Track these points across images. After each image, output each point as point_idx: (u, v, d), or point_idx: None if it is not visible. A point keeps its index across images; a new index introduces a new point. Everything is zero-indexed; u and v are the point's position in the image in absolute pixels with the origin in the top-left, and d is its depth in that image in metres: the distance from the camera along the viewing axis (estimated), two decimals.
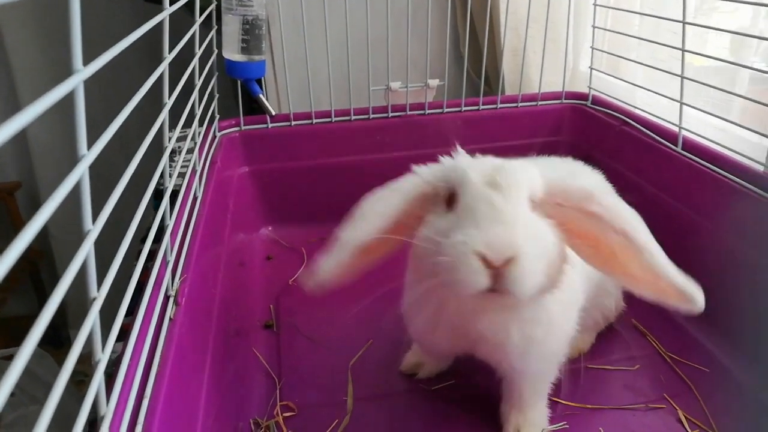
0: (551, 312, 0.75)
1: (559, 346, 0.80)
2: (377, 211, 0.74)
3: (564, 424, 0.90)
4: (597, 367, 1.02)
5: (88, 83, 0.47)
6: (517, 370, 0.81)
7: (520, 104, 1.53)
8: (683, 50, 1.13)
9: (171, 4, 0.79)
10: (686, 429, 0.89)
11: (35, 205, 0.48)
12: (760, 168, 1.01)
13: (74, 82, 0.45)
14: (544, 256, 0.64)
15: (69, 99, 0.46)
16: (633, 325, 1.11)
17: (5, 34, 2.35)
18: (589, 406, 0.93)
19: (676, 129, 1.18)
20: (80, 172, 0.46)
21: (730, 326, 1.04)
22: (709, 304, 1.07)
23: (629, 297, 1.14)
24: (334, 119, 1.45)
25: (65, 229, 2.49)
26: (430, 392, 0.97)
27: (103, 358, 0.51)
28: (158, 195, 0.87)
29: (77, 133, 0.47)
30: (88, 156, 0.47)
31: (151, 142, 0.69)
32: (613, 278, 0.74)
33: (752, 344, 0.99)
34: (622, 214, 0.68)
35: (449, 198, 0.70)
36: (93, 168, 0.49)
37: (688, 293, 0.67)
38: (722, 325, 1.06)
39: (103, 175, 0.72)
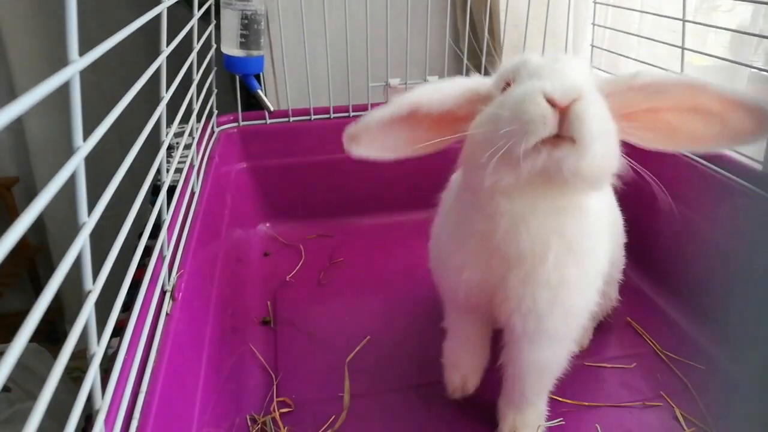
0: (590, 258, 0.72)
1: (584, 310, 0.76)
2: (431, 90, 0.73)
3: (560, 421, 0.90)
4: (594, 364, 1.01)
5: (86, 78, 0.47)
6: (540, 329, 0.75)
7: None
8: (683, 48, 1.13)
9: None
10: (682, 426, 0.89)
11: (32, 200, 0.48)
12: (759, 166, 1.01)
13: (70, 73, 0.44)
14: (605, 116, 0.62)
15: (66, 93, 0.45)
16: (628, 323, 1.11)
17: (3, 26, 2.34)
18: (586, 404, 0.93)
19: None
20: (75, 163, 0.46)
21: (725, 324, 1.04)
22: (705, 302, 1.09)
23: (626, 296, 1.14)
24: (332, 115, 1.45)
25: (62, 224, 2.48)
26: (427, 389, 0.97)
27: (98, 351, 0.51)
28: (155, 190, 0.87)
29: (73, 124, 0.47)
30: (84, 147, 0.47)
31: (149, 138, 0.69)
32: (681, 148, 0.70)
33: (748, 342, 0.99)
34: (668, 75, 0.67)
35: (505, 89, 0.67)
36: (90, 163, 0.49)
37: (758, 108, 0.62)
38: (718, 323, 1.06)
39: (100, 170, 0.72)
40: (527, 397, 0.85)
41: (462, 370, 0.92)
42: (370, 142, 0.74)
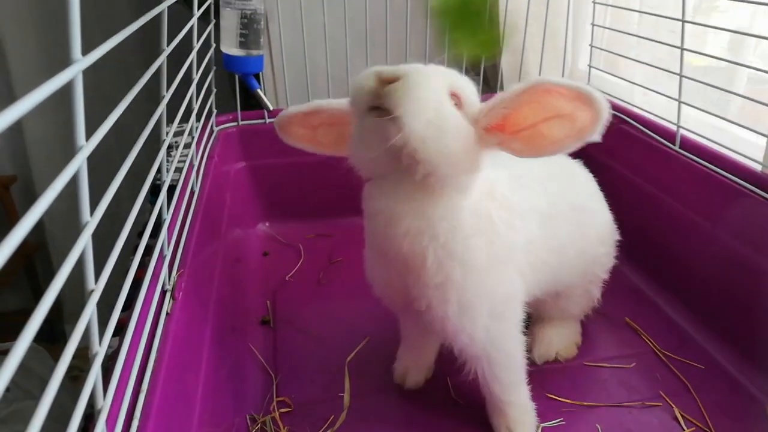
0: (471, 254, 0.74)
1: (484, 303, 0.77)
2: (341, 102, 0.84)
3: (560, 421, 0.90)
4: (592, 364, 1.02)
5: (85, 78, 0.47)
6: (444, 328, 0.78)
7: None
8: (682, 49, 1.13)
9: None
10: (682, 427, 0.89)
11: (31, 200, 0.49)
12: (758, 168, 1.02)
13: (73, 72, 0.44)
14: (439, 108, 0.67)
15: (66, 92, 0.45)
16: (627, 323, 1.11)
17: (2, 29, 2.34)
18: (585, 404, 0.93)
19: (674, 128, 1.18)
20: (78, 162, 0.46)
21: (725, 324, 1.04)
22: (704, 302, 1.09)
23: (625, 296, 1.15)
24: None
25: (61, 223, 2.48)
26: (428, 389, 0.97)
27: (100, 351, 0.51)
28: (155, 190, 0.87)
29: (76, 123, 0.47)
30: (87, 146, 0.47)
31: (149, 137, 0.69)
32: (544, 154, 0.71)
33: (748, 342, 0.99)
34: (528, 81, 0.69)
35: None
36: (90, 163, 0.49)
37: (586, 92, 0.65)
38: (718, 323, 1.06)
39: (100, 169, 0.72)
40: (497, 396, 0.85)
41: (405, 364, 0.98)
42: (296, 136, 0.88)
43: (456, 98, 0.70)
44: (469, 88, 0.73)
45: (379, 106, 0.65)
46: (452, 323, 0.77)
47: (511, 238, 0.78)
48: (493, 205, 0.77)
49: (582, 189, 0.97)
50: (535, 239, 0.83)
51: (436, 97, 0.67)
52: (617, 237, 1.01)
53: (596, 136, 0.66)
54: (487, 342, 0.79)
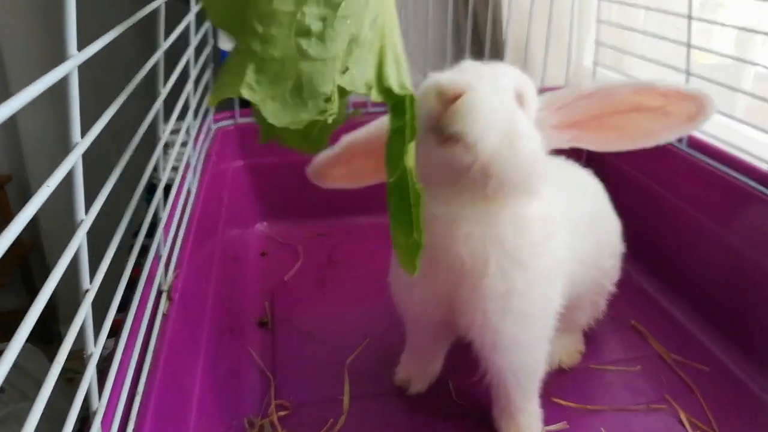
0: (537, 263, 0.72)
1: (540, 315, 0.75)
2: (364, 127, 0.80)
3: (564, 424, 0.88)
4: (597, 367, 1.00)
5: (80, 74, 0.45)
6: (496, 341, 0.75)
7: None
8: (689, 46, 1.12)
9: None
10: (688, 430, 0.88)
11: (25, 199, 0.47)
12: (765, 167, 1.00)
13: (68, 67, 0.43)
14: (510, 120, 0.64)
15: (61, 90, 0.44)
16: (632, 326, 1.10)
17: None
18: (590, 407, 0.92)
19: None
20: (74, 159, 0.45)
21: (731, 325, 1.03)
22: (710, 304, 1.08)
23: (630, 298, 1.13)
24: None
25: (56, 222, 2.46)
26: (430, 391, 0.95)
27: (95, 352, 0.50)
28: (151, 189, 0.86)
29: (70, 120, 0.45)
30: (82, 143, 0.46)
31: (145, 136, 0.67)
32: (632, 147, 0.72)
33: (754, 345, 0.98)
34: (610, 82, 0.73)
35: None
36: (85, 161, 0.48)
37: (700, 94, 0.68)
38: (724, 325, 1.05)
39: (96, 168, 0.71)
40: (514, 402, 0.83)
41: (409, 371, 0.95)
42: (333, 178, 0.86)
43: (520, 100, 0.67)
44: (531, 86, 0.71)
45: (442, 128, 0.62)
46: (508, 337, 0.74)
47: (560, 243, 0.76)
48: (549, 206, 0.74)
49: (596, 199, 0.95)
50: (570, 247, 0.80)
51: (505, 108, 0.64)
52: (622, 247, 0.99)
53: (696, 128, 0.69)
54: (527, 355, 0.78)
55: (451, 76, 0.63)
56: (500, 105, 0.63)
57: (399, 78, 0.55)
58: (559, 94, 0.72)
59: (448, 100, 0.61)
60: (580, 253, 0.84)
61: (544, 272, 0.73)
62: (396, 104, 0.56)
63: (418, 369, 0.95)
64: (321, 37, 0.47)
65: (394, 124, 0.57)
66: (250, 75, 0.46)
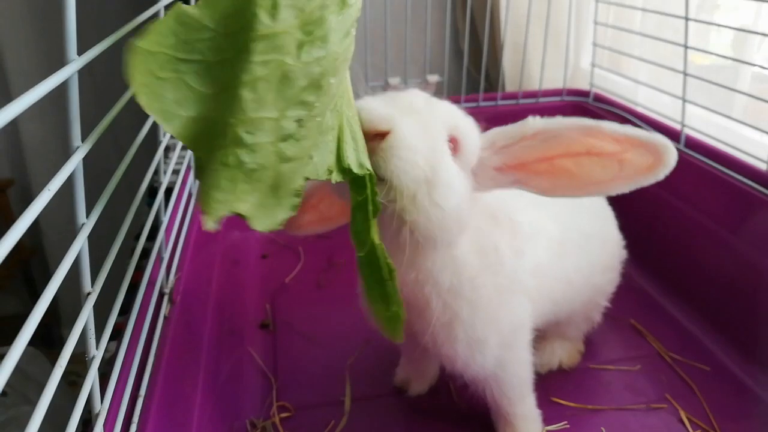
0: (478, 292, 0.71)
1: (493, 336, 0.74)
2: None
3: (565, 424, 0.89)
4: (598, 367, 1.00)
5: (81, 79, 0.46)
6: (454, 364, 0.75)
7: (521, 101, 1.52)
8: (686, 47, 1.12)
9: None
10: (688, 429, 0.88)
11: (27, 202, 0.48)
12: (763, 166, 1.01)
13: (68, 72, 0.44)
14: (430, 167, 0.60)
15: (62, 94, 0.45)
16: (632, 325, 1.10)
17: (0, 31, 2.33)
18: (590, 407, 0.92)
19: (678, 127, 1.17)
20: (74, 163, 0.45)
21: (730, 325, 1.03)
22: (709, 303, 1.08)
23: (630, 298, 1.13)
24: None
25: (57, 227, 2.46)
26: (430, 392, 0.95)
27: (97, 355, 0.50)
28: (152, 192, 0.86)
29: (71, 124, 0.46)
30: (83, 147, 0.46)
31: (146, 140, 0.68)
32: (581, 194, 0.67)
33: (754, 343, 0.98)
34: (557, 121, 0.64)
35: None
36: (86, 165, 0.48)
37: (655, 142, 0.60)
38: (723, 324, 1.05)
39: (97, 172, 0.71)
40: (504, 409, 0.83)
41: (407, 373, 0.96)
42: (305, 224, 0.82)
43: (454, 143, 0.64)
44: (469, 131, 0.66)
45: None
46: (461, 359, 0.74)
47: (516, 263, 0.75)
48: (499, 232, 0.73)
49: (594, 215, 0.92)
50: (543, 264, 0.79)
51: (428, 154, 0.60)
52: (623, 256, 0.99)
53: (655, 179, 0.61)
54: (497, 368, 0.77)
55: (375, 108, 0.58)
56: (423, 149, 0.60)
57: (357, 156, 0.55)
58: (503, 132, 0.67)
59: (371, 135, 0.57)
60: (560, 272, 0.83)
61: (490, 298, 0.72)
62: (355, 180, 0.55)
63: (417, 371, 0.96)
64: (297, 138, 0.47)
65: (355, 198, 0.56)
66: (241, 187, 0.46)
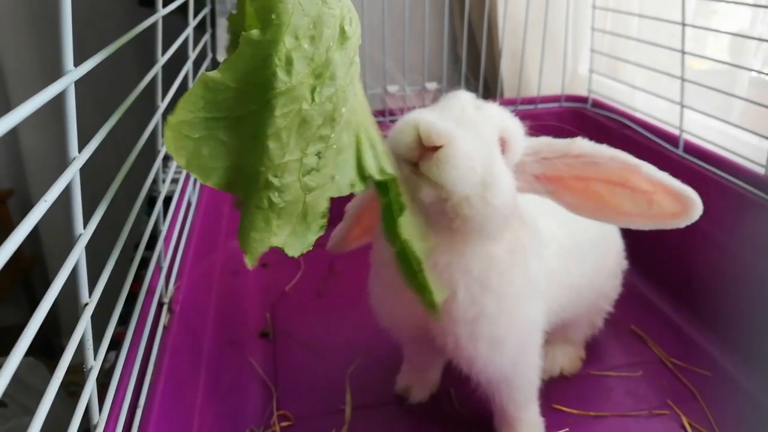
0: (506, 288, 0.72)
1: (515, 336, 0.75)
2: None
3: (567, 431, 0.88)
4: (599, 373, 1.00)
5: (81, 90, 0.46)
6: (472, 363, 0.75)
7: (519, 107, 1.52)
8: (683, 52, 1.13)
9: (164, 7, 0.78)
10: None
11: (27, 213, 0.48)
12: (761, 171, 1.01)
13: (65, 83, 0.44)
14: (485, 171, 0.63)
15: (61, 104, 0.45)
16: (633, 331, 1.10)
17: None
18: (592, 413, 0.92)
19: (676, 132, 1.17)
20: (71, 174, 0.45)
21: (732, 330, 1.03)
22: (710, 308, 1.08)
23: (631, 304, 1.13)
24: None
25: (57, 236, 2.46)
26: (431, 400, 0.95)
27: (95, 365, 0.50)
28: (151, 201, 0.86)
29: (68, 135, 0.46)
30: (80, 158, 0.46)
31: (145, 148, 0.68)
32: (605, 220, 0.71)
33: (755, 348, 0.98)
34: (604, 149, 0.68)
35: None
36: (85, 175, 0.48)
37: (686, 194, 0.65)
38: (724, 329, 1.05)
39: (96, 181, 0.71)
40: (510, 414, 0.83)
41: (408, 381, 0.96)
42: (352, 240, 0.86)
43: (503, 143, 0.67)
44: (517, 131, 0.70)
45: (420, 167, 0.61)
46: (482, 359, 0.74)
47: (537, 268, 0.76)
48: (525, 234, 0.74)
49: (599, 223, 0.94)
50: (553, 270, 0.80)
51: (484, 160, 0.63)
52: (624, 263, 1.00)
53: (675, 227, 0.66)
54: (511, 370, 0.77)
55: (433, 123, 0.61)
56: (479, 157, 0.63)
57: (377, 162, 0.58)
58: (549, 144, 0.71)
59: (427, 147, 0.61)
60: (568, 277, 0.84)
61: (516, 296, 0.73)
62: (379, 184, 0.58)
63: (417, 380, 0.95)
64: (318, 169, 0.52)
65: (381, 201, 0.59)
66: (275, 224, 0.51)
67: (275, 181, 0.49)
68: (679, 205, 0.65)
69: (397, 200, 0.58)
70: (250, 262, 0.52)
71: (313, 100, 0.49)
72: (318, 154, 0.51)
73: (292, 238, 0.53)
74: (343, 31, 0.50)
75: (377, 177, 0.57)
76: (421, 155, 0.61)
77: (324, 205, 0.54)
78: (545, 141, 0.71)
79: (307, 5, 0.47)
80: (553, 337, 0.96)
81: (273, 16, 0.46)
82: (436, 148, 0.60)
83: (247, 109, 0.48)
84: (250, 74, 0.47)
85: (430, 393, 0.96)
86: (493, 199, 0.64)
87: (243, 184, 0.50)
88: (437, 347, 0.77)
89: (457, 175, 0.61)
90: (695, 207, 0.65)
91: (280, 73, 0.46)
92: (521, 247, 0.73)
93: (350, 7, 0.52)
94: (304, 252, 0.54)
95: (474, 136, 0.63)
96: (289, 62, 0.47)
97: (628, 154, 0.67)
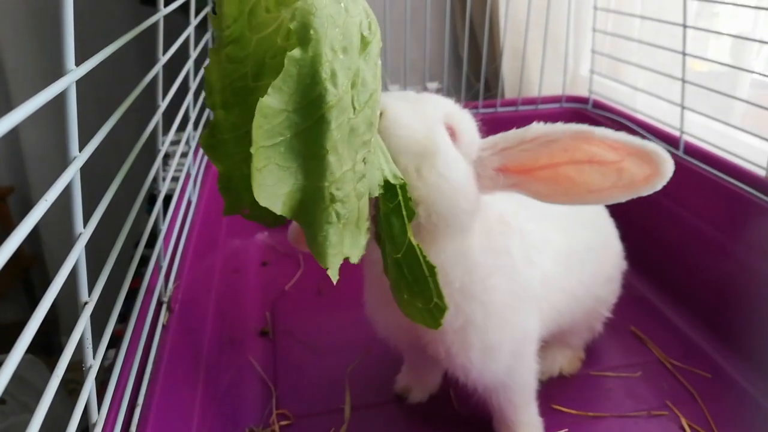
0: (491, 295, 0.71)
1: (507, 343, 0.74)
2: None
3: (566, 431, 0.88)
4: (598, 373, 1.00)
5: (82, 88, 0.46)
6: (466, 372, 0.75)
7: (520, 107, 1.52)
8: (684, 54, 1.13)
9: (166, 5, 0.78)
10: None
11: (28, 211, 0.48)
12: (762, 173, 1.01)
13: (66, 82, 0.44)
14: (426, 140, 0.62)
15: (62, 103, 0.45)
16: (633, 332, 1.10)
17: (0, 37, 2.34)
18: (591, 414, 0.92)
19: (677, 133, 1.17)
20: (72, 173, 0.45)
21: (731, 332, 1.03)
22: (710, 309, 1.08)
23: (630, 304, 1.13)
24: None
25: (57, 234, 2.47)
26: (430, 400, 0.95)
27: (94, 364, 0.50)
28: (152, 199, 0.86)
29: (69, 134, 0.46)
30: (80, 157, 0.46)
31: (146, 147, 0.68)
32: (579, 202, 0.66)
33: (755, 350, 0.98)
34: (555, 126, 0.65)
35: None
36: (86, 173, 0.48)
37: (650, 151, 0.60)
38: (724, 330, 1.05)
39: (97, 180, 0.71)
40: (508, 416, 0.83)
41: (408, 381, 0.96)
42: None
43: (450, 131, 0.66)
44: (465, 120, 0.69)
45: None
46: (476, 368, 0.74)
47: (529, 273, 0.75)
48: (510, 237, 0.73)
49: (597, 227, 0.93)
50: (549, 275, 0.79)
51: (426, 129, 0.63)
52: (624, 266, 0.99)
53: (652, 190, 0.62)
54: (506, 376, 0.77)
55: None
56: (419, 127, 0.63)
57: (389, 167, 0.59)
58: (504, 135, 0.69)
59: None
60: (565, 283, 0.83)
61: (503, 303, 0.72)
62: (386, 188, 0.58)
63: (418, 378, 0.95)
64: (364, 173, 0.54)
65: (387, 205, 0.59)
66: (345, 235, 0.53)
67: (338, 194, 0.50)
68: (649, 166, 0.61)
69: (407, 204, 0.58)
70: (335, 278, 0.53)
71: (354, 108, 0.50)
72: (364, 160, 0.53)
73: (352, 245, 0.55)
74: (363, 37, 0.51)
75: (393, 181, 0.58)
76: None
77: (367, 207, 0.56)
78: (500, 134, 0.69)
79: (336, 17, 0.48)
80: (551, 340, 0.96)
81: (311, 32, 0.46)
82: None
83: (296, 130, 0.48)
84: (300, 93, 0.47)
85: (429, 394, 0.95)
86: (445, 169, 0.63)
87: (307, 206, 0.51)
88: (432, 357, 0.76)
89: (400, 144, 0.61)
90: (665, 163, 0.60)
91: (330, 87, 0.47)
92: (504, 250, 0.72)
93: (368, 11, 0.53)
94: (360, 254, 0.56)
95: (414, 109, 0.63)
96: (333, 74, 0.47)
97: (581, 125, 0.64)
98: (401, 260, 0.61)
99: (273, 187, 0.49)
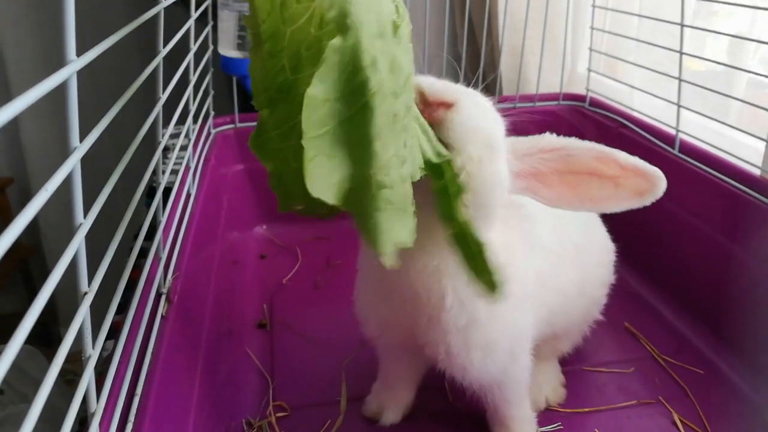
0: None
1: (506, 341, 0.74)
2: None
3: (558, 426, 0.89)
4: (591, 369, 1.01)
5: (83, 80, 0.46)
6: (465, 372, 0.75)
7: (518, 105, 1.52)
8: (681, 53, 1.13)
9: None
10: (680, 431, 0.88)
11: (27, 201, 0.48)
12: (757, 171, 1.01)
13: (67, 73, 0.44)
14: (489, 131, 0.64)
15: (62, 93, 0.45)
16: (626, 328, 1.11)
17: (0, 31, 2.34)
18: (585, 410, 0.93)
19: (673, 132, 1.18)
20: (72, 163, 0.45)
21: (724, 328, 1.04)
22: (703, 306, 1.09)
23: (624, 300, 1.14)
24: None
25: (56, 225, 2.47)
26: (424, 393, 0.96)
27: (93, 354, 0.51)
28: (151, 192, 0.87)
29: (69, 125, 0.46)
30: (81, 148, 0.46)
31: (145, 139, 0.68)
32: (578, 209, 0.71)
33: (747, 346, 0.99)
34: (575, 141, 0.69)
35: None
36: (85, 165, 0.48)
37: (654, 173, 0.67)
38: (716, 327, 1.06)
39: (96, 170, 0.72)
40: (502, 413, 0.84)
41: (381, 401, 0.92)
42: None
43: None
44: (502, 124, 0.70)
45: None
46: (476, 368, 0.73)
47: (526, 269, 0.76)
48: (513, 234, 0.74)
49: (587, 228, 0.93)
50: (541, 274, 0.79)
51: (489, 121, 0.65)
52: (614, 255, 0.98)
53: (642, 204, 0.67)
54: (502, 375, 0.77)
55: (441, 83, 0.62)
56: (485, 118, 0.64)
57: (432, 146, 0.59)
58: (522, 141, 0.71)
59: (432, 103, 0.61)
60: (559, 284, 0.83)
61: (507, 306, 0.71)
62: (432, 168, 0.58)
63: (392, 399, 0.92)
64: (406, 156, 0.53)
65: (436, 184, 0.59)
66: (395, 219, 0.52)
67: (385, 180, 0.50)
68: (646, 183, 0.67)
69: (453, 182, 0.58)
70: (389, 263, 0.52)
71: (394, 93, 0.50)
72: (405, 144, 0.53)
73: (402, 230, 0.54)
74: (392, 22, 0.51)
75: (435, 160, 0.58)
76: (425, 116, 0.60)
77: (411, 191, 0.55)
78: (517, 139, 0.71)
79: (370, 2, 0.48)
80: (541, 351, 0.91)
81: (348, 21, 0.46)
82: (444, 107, 0.60)
83: (339, 119, 0.48)
84: (343, 81, 0.47)
85: (403, 414, 0.92)
86: (501, 163, 0.65)
87: (354, 194, 0.51)
88: (427, 357, 0.76)
89: (467, 134, 0.61)
90: (661, 183, 0.67)
91: (371, 73, 0.47)
92: (513, 247, 0.73)
93: None
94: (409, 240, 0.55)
95: (475, 100, 0.65)
96: (374, 61, 0.48)
97: (599, 145, 0.69)
98: (455, 237, 0.60)
99: (324, 177, 0.49)
